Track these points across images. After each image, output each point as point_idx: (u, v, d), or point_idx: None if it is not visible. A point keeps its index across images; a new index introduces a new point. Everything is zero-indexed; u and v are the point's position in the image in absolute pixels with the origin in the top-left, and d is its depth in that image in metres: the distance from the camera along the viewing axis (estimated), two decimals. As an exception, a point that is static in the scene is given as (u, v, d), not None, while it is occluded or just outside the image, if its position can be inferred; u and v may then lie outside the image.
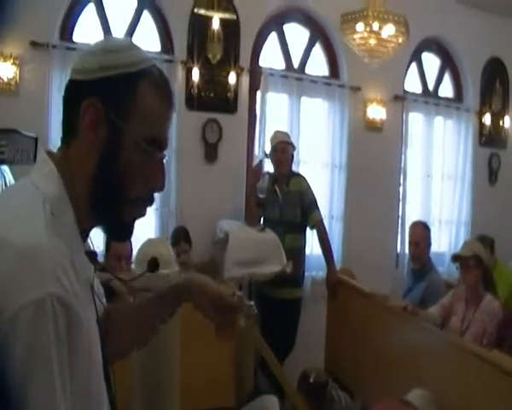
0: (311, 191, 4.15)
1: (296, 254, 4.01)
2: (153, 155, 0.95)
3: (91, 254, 0.98)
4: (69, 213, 0.91)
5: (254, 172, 4.15)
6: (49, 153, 0.96)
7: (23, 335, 0.74)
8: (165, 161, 1.01)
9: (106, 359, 0.96)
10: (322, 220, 4.22)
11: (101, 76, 0.92)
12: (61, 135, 0.97)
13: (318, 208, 4.17)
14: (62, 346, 0.77)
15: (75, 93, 0.94)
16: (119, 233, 1.02)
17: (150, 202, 1.00)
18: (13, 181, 2.71)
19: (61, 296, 0.78)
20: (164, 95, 0.97)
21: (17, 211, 0.86)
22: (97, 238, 1.08)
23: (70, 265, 0.84)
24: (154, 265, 1.25)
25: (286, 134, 4.26)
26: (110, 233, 1.02)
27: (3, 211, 0.87)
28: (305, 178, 4.21)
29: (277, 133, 4.21)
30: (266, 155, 4.20)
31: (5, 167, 2.79)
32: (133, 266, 2.02)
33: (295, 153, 4.30)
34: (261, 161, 4.18)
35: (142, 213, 1.00)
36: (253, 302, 2.51)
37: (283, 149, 4.10)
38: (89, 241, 1.02)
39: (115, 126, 0.92)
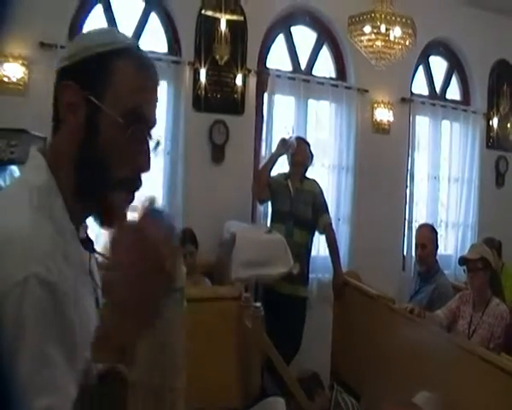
0: (323, 196, 4.27)
1: (301, 250, 4.06)
2: (132, 129, 0.92)
3: (86, 242, 0.99)
4: (58, 201, 0.92)
5: (283, 144, 4.15)
6: (40, 149, 0.99)
7: (10, 311, 0.79)
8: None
9: None
10: (331, 224, 4.32)
11: (78, 59, 0.95)
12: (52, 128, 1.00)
13: (328, 212, 4.28)
14: (47, 321, 0.82)
15: (58, 81, 0.98)
16: (110, 219, 0.94)
17: (137, 185, 0.96)
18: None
19: (44, 276, 0.82)
20: (141, 68, 0.96)
21: (3, 202, 0.92)
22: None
23: (58, 249, 0.87)
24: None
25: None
26: (101, 221, 0.97)
27: None
28: (318, 183, 4.29)
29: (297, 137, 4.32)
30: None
31: (14, 167, 2.81)
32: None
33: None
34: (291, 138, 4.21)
35: (131, 198, 0.96)
36: (259, 304, 2.52)
37: (300, 143, 4.19)
38: (84, 228, 1.01)
39: (93, 106, 0.93)
